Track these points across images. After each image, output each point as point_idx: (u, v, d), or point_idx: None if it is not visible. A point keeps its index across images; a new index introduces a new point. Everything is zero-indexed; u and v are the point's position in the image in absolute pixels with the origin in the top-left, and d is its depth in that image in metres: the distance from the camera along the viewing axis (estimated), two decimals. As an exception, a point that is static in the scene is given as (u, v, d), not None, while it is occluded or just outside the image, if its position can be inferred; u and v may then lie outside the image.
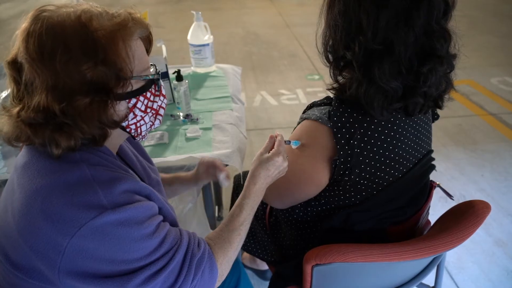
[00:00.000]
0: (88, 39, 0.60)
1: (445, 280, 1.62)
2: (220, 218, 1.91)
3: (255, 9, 6.09)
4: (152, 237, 0.63)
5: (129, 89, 0.65)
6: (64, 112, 0.59)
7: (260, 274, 1.61)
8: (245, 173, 1.35)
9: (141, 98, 0.68)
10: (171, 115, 1.38)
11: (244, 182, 1.32)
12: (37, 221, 0.58)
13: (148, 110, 0.70)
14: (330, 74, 0.84)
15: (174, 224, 0.75)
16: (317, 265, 0.78)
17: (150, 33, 0.72)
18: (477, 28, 4.67)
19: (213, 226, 1.44)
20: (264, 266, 1.60)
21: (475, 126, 2.72)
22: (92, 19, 0.61)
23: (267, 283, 1.59)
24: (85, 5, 0.65)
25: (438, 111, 0.95)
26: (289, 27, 5.10)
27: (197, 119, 1.35)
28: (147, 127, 0.73)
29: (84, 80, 0.60)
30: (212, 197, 1.46)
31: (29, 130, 0.60)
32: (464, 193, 2.09)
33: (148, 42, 0.73)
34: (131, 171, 0.73)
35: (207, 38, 1.66)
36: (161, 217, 0.69)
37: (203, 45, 1.65)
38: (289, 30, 4.96)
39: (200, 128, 1.30)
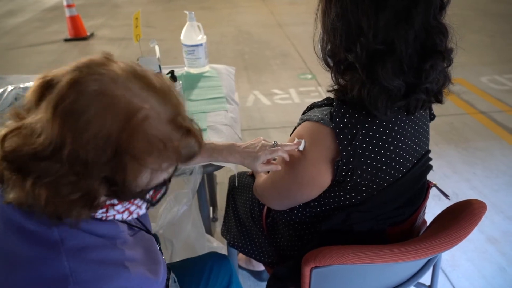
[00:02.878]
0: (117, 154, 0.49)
1: (440, 278, 1.62)
2: (214, 219, 1.90)
3: (247, 8, 6.08)
4: None
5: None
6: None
7: (256, 275, 1.61)
8: (240, 174, 1.34)
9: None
10: (165, 116, 1.37)
11: (238, 183, 1.32)
12: None
13: (125, 212, 0.61)
14: (332, 78, 0.83)
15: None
16: (315, 267, 0.78)
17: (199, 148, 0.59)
18: (467, 27, 4.73)
19: (207, 228, 1.43)
20: (259, 267, 1.60)
21: (466, 125, 2.75)
22: (146, 128, 0.50)
23: (263, 284, 1.59)
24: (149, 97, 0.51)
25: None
26: (281, 26, 5.10)
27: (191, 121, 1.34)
28: (116, 217, 0.62)
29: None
30: (207, 198, 1.45)
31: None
32: (457, 191, 2.11)
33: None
34: (124, 227, 0.65)
35: (201, 38, 1.64)
36: None
37: (197, 45, 1.64)
38: (281, 29, 4.96)
39: (195, 129, 1.28)
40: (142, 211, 0.63)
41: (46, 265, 0.52)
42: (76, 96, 0.48)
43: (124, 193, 0.53)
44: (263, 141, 0.94)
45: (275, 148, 0.90)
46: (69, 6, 4.62)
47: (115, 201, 0.58)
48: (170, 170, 0.58)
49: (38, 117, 0.49)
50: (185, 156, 0.57)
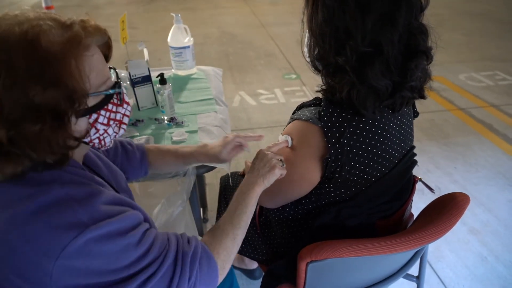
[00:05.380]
0: (35, 60, 0.53)
1: (426, 269, 1.69)
2: (205, 220, 1.91)
3: (229, 9, 6.08)
4: (138, 246, 0.62)
5: (87, 106, 0.61)
6: (12, 141, 0.55)
7: (249, 273, 1.63)
8: (232, 174, 1.36)
9: (103, 112, 0.65)
10: (156, 119, 1.37)
11: (231, 183, 1.34)
12: (19, 247, 0.56)
13: (111, 122, 0.67)
14: (322, 81, 0.86)
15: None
16: (311, 261, 0.81)
17: (108, 38, 0.67)
18: (444, 26, 4.87)
19: (199, 229, 1.44)
20: (252, 265, 1.62)
21: (446, 121, 2.85)
22: (40, 37, 0.54)
23: (256, 282, 1.61)
24: (32, 14, 0.57)
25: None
26: (264, 26, 5.13)
27: (182, 122, 1.35)
28: (111, 139, 0.70)
29: (32, 105, 0.54)
30: (197, 199, 1.46)
31: None
32: (439, 185, 2.19)
33: (107, 48, 0.68)
34: (98, 178, 0.71)
35: (187, 40, 1.65)
36: (147, 225, 0.68)
37: (184, 48, 1.65)
38: (264, 30, 4.99)
39: (186, 131, 1.30)
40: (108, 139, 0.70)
41: (43, 195, 0.57)
42: None
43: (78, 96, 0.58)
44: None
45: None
46: (48, 8, 4.53)
47: (95, 116, 0.64)
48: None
49: None
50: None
